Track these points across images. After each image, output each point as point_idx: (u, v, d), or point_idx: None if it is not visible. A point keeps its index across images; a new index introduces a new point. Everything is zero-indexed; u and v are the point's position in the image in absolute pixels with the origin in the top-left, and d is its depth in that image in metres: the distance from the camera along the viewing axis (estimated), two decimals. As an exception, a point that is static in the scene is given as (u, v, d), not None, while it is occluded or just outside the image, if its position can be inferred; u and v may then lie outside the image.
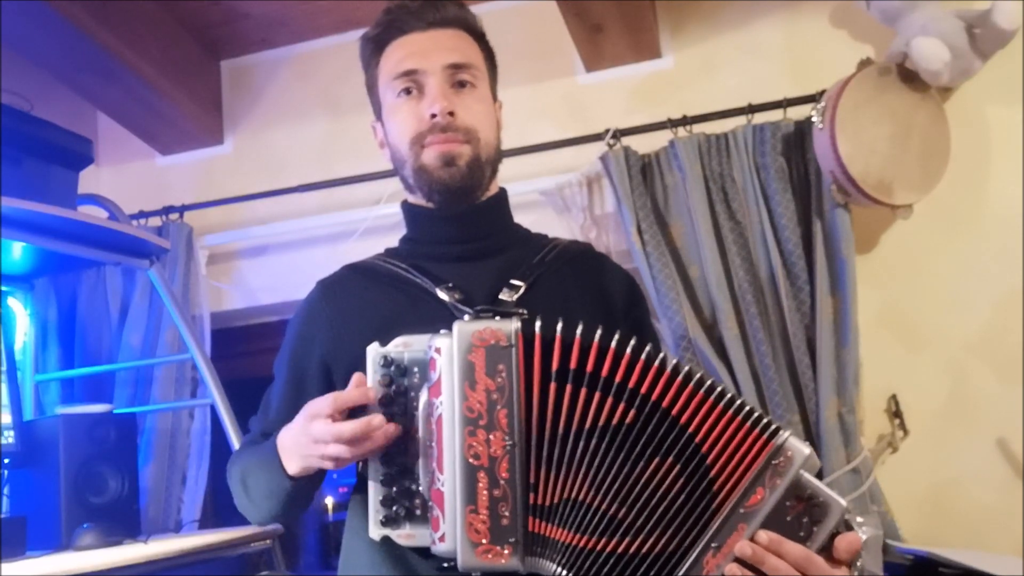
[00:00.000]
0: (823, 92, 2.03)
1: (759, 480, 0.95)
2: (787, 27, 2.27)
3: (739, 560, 0.94)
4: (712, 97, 2.21)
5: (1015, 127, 2.09)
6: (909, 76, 1.99)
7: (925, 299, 2.12)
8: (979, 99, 2.11)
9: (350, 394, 1.01)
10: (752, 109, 2.11)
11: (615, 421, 0.97)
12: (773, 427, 0.96)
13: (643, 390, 0.97)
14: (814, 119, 1.99)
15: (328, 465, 1.04)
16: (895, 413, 2.09)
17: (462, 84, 1.20)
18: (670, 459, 0.96)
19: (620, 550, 0.96)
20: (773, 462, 0.94)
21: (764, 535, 0.93)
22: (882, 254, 2.16)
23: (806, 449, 0.95)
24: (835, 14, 2.24)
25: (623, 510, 0.97)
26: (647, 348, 0.98)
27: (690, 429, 0.96)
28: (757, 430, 0.96)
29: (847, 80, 1.98)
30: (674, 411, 0.97)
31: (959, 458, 2.06)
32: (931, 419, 2.08)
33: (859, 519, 0.97)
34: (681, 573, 0.95)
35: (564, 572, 0.97)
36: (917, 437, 2.08)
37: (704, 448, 0.96)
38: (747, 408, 0.97)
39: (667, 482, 0.96)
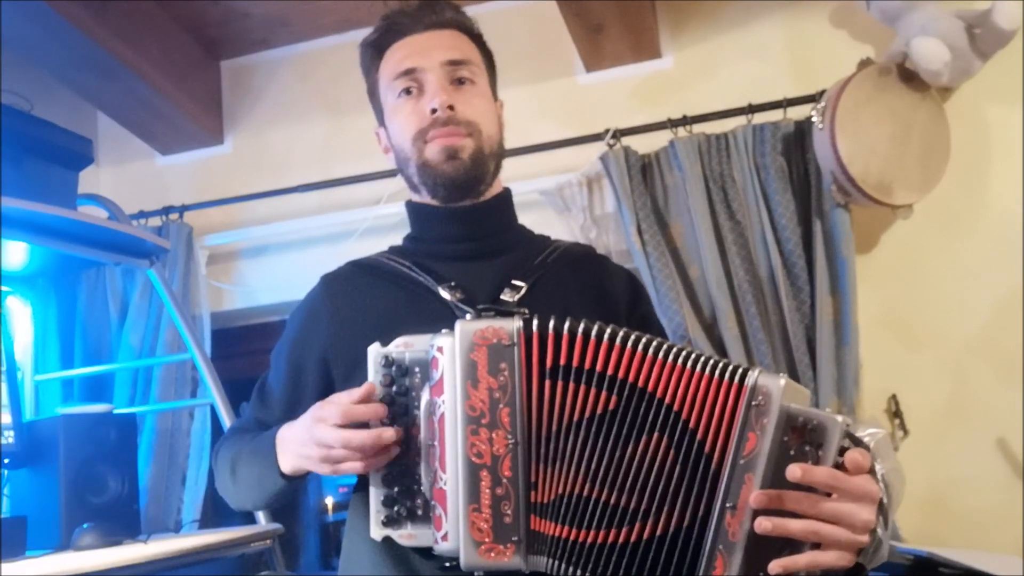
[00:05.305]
0: (823, 92, 2.04)
1: (746, 426, 0.92)
2: (787, 27, 2.28)
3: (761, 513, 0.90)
4: (712, 97, 2.21)
5: (1015, 127, 2.10)
6: (909, 76, 1.99)
7: (925, 299, 2.12)
8: (979, 99, 2.11)
9: (361, 409, 1.00)
10: (752, 109, 2.11)
11: (599, 411, 0.97)
12: (741, 370, 0.94)
13: (620, 374, 0.97)
14: (814, 119, 1.99)
15: (325, 469, 1.03)
16: (895, 413, 2.09)
17: (461, 80, 1.21)
18: (655, 435, 0.95)
19: (633, 539, 0.95)
20: (753, 404, 0.92)
21: (797, 468, 0.89)
22: (882, 254, 2.16)
23: (781, 380, 0.92)
24: (835, 14, 2.24)
25: (623, 497, 0.96)
26: (613, 330, 0.97)
27: (666, 400, 0.95)
28: (727, 379, 0.94)
29: (847, 80, 1.98)
30: (649, 387, 0.96)
31: (959, 458, 2.06)
32: (931, 419, 2.09)
33: (862, 427, 0.95)
34: (707, 546, 0.92)
35: (568, 568, 0.97)
36: (917, 437, 2.08)
37: (684, 415, 0.95)
38: (711, 361, 0.95)
39: (658, 458, 0.95)
